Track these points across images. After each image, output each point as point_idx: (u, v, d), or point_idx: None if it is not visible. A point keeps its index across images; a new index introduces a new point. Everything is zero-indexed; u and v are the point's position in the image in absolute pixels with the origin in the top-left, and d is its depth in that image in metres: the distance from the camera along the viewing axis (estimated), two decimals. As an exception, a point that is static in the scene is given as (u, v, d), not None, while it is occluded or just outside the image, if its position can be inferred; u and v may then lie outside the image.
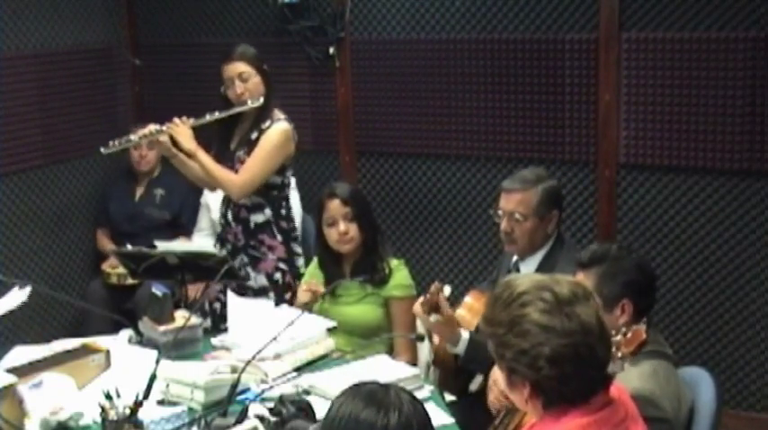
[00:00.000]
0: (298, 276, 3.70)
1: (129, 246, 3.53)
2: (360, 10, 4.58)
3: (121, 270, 4.30)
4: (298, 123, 4.79)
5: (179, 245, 3.85)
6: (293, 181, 4.54)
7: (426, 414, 1.80)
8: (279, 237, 3.71)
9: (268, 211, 3.70)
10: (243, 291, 3.65)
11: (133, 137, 3.68)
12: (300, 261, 3.80)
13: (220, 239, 3.83)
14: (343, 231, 3.28)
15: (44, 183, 4.71)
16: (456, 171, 4.49)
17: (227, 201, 3.77)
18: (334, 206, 3.29)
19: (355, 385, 1.83)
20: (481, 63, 4.33)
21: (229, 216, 3.74)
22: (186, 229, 4.79)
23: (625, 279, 2.53)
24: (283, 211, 3.74)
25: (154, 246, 3.40)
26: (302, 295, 3.32)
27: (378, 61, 4.58)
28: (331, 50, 4.63)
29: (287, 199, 3.77)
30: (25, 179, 4.61)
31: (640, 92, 4.00)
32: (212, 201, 4.76)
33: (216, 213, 4.72)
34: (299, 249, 3.81)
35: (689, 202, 4.01)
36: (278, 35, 4.75)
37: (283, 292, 3.70)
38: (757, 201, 3.88)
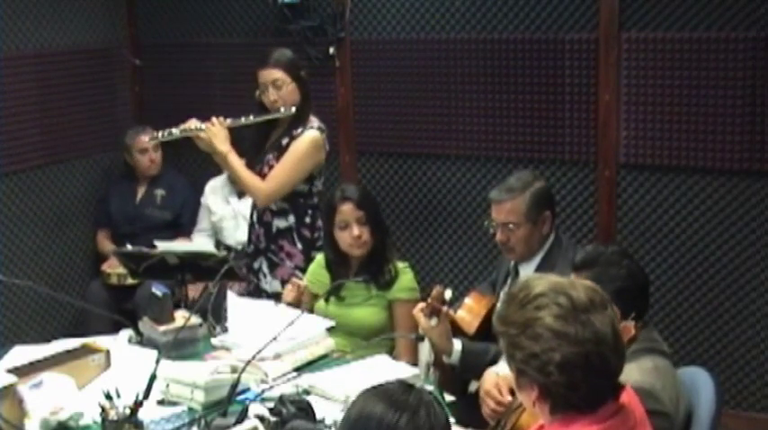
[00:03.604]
0: None
1: (129, 247, 3.53)
2: (360, 10, 4.58)
3: (121, 270, 4.29)
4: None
5: (179, 245, 3.85)
6: None
7: (446, 421, 1.77)
8: (299, 245, 3.66)
9: (291, 218, 3.66)
10: (258, 293, 3.65)
11: (175, 130, 3.64)
12: None
13: (249, 238, 3.82)
14: (356, 235, 3.25)
15: (44, 183, 4.71)
16: (456, 171, 4.49)
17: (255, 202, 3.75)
18: (348, 210, 3.26)
19: (379, 384, 1.82)
20: (481, 63, 4.33)
21: (254, 217, 3.74)
22: (186, 230, 4.80)
23: (613, 286, 2.46)
24: (307, 220, 3.67)
25: (154, 246, 3.40)
26: (287, 295, 3.32)
27: (378, 61, 4.58)
28: (331, 50, 4.63)
29: (313, 207, 3.69)
30: (25, 179, 4.61)
31: (640, 92, 4.00)
32: (212, 203, 4.78)
33: (216, 215, 4.74)
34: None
35: (689, 202, 4.01)
36: (278, 35, 4.74)
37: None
38: (757, 201, 3.88)
